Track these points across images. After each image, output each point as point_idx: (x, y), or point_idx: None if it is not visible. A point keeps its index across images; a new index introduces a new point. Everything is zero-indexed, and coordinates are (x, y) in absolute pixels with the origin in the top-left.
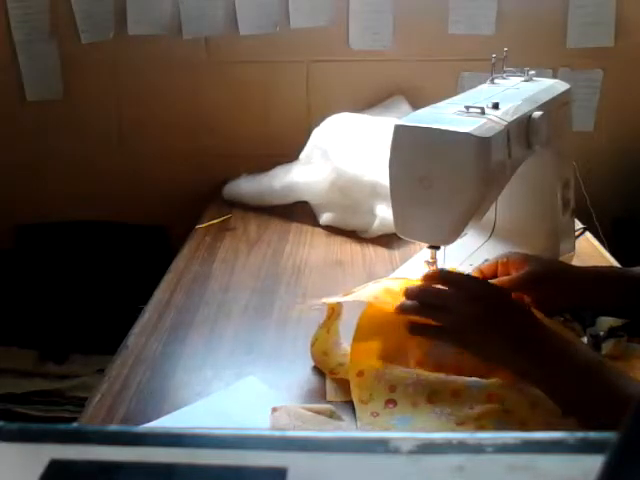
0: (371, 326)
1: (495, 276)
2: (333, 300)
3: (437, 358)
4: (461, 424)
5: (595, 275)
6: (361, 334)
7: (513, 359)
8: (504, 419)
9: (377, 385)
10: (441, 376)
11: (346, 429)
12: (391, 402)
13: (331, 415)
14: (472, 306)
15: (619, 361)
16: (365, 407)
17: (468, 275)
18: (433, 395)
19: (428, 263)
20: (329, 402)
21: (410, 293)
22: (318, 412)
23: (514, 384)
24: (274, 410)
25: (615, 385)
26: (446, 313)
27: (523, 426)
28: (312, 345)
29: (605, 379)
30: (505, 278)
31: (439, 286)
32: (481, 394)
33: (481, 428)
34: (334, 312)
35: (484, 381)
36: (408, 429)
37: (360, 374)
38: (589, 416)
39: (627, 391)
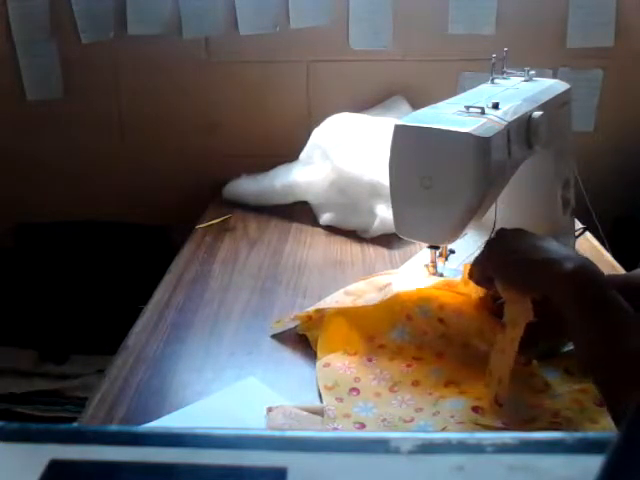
0: (336, 326)
1: None
2: (303, 313)
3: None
4: (419, 410)
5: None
6: (328, 332)
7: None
8: (458, 398)
9: (342, 375)
10: (403, 369)
11: (341, 429)
12: (355, 390)
13: None
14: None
15: None
16: (330, 392)
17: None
18: (395, 385)
19: (427, 267)
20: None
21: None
22: (313, 412)
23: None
24: (269, 410)
25: None
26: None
27: (478, 401)
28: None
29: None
30: None
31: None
32: (440, 381)
33: (437, 414)
34: (312, 320)
35: (443, 370)
36: (370, 416)
37: (327, 365)
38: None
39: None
